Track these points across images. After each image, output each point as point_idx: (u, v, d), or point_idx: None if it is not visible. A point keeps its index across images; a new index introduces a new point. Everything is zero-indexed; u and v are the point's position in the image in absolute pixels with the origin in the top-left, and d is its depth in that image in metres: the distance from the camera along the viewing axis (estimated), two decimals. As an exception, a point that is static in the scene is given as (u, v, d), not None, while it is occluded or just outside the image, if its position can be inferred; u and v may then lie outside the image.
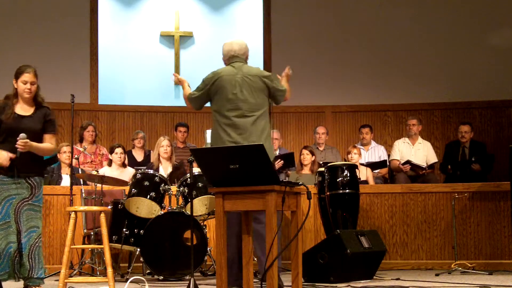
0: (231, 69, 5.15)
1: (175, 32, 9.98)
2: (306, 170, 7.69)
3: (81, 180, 6.70)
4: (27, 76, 4.91)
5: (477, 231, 7.00)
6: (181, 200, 6.23)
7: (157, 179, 6.19)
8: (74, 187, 6.52)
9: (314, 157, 7.72)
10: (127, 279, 5.55)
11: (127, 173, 7.30)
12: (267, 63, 9.92)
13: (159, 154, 7.31)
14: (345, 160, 7.79)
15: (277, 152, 7.97)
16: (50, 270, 6.42)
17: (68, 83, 8.93)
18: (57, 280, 4.93)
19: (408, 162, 7.94)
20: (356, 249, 5.62)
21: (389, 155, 8.38)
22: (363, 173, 7.65)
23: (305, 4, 9.99)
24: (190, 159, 4.97)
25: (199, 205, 6.14)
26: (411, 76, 9.01)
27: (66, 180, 7.09)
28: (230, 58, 5.24)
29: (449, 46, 9.69)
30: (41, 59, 9.33)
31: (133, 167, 7.54)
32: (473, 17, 9.71)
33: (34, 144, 4.79)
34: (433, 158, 8.15)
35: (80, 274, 6.16)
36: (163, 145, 7.30)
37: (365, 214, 7.07)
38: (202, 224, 6.16)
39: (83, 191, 6.56)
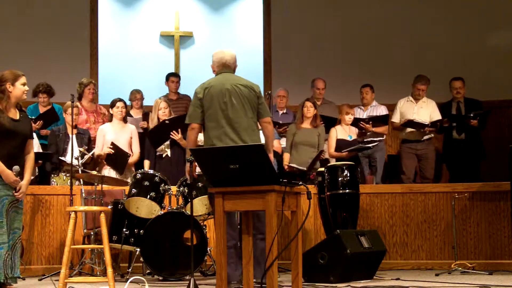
0: (220, 78, 5.25)
1: (175, 32, 9.98)
2: (306, 124, 7.61)
3: (81, 180, 6.70)
4: (25, 79, 5.06)
5: (477, 231, 7.00)
6: (181, 200, 6.23)
7: (157, 179, 6.19)
8: (74, 187, 6.52)
9: (316, 110, 7.71)
10: (127, 279, 5.55)
11: (128, 129, 7.39)
12: (267, 63, 9.93)
13: (158, 117, 7.34)
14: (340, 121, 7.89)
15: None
16: (50, 270, 6.43)
17: (68, 83, 8.93)
18: (57, 280, 4.94)
19: (409, 121, 7.89)
20: (356, 249, 5.62)
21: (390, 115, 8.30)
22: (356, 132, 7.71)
23: (305, 4, 10.00)
24: (190, 159, 4.97)
25: (199, 205, 6.14)
26: (412, 76, 8.98)
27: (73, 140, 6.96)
28: (220, 67, 5.32)
29: (449, 46, 9.69)
30: (41, 59, 9.36)
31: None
32: (473, 17, 9.71)
33: (28, 178, 4.99)
34: (437, 116, 8.04)
35: (80, 274, 6.16)
36: (161, 108, 7.34)
37: (365, 214, 7.07)
38: (202, 224, 6.16)
39: (83, 191, 6.55)
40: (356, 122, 7.77)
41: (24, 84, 5.01)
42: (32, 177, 7.03)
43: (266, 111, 5.30)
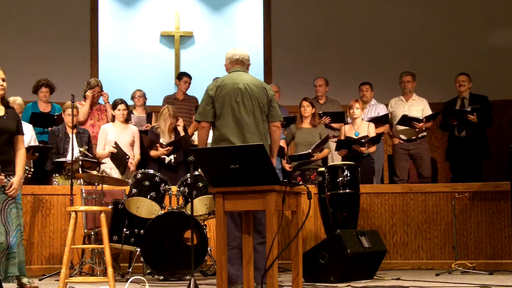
0: (232, 76, 5.15)
1: (175, 32, 9.99)
2: (306, 124, 7.63)
3: (81, 179, 6.71)
4: (0, 73, 4.98)
5: (477, 231, 6.99)
6: (181, 200, 6.23)
7: (157, 179, 6.19)
8: (75, 187, 6.52)
9: (314, 109, 7.69)
10: (127, 279, 5.55)
11: (130, 130, 7.44)
12: (267, 63, 9.93)
13: (167, 125, 7.35)
14: (347, 116, 7.86)
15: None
16: (50, 270, 6.44)
17: (68, 83, 8.94)
18: (57, 280, 4.94)
19: (404, 117, 7.82)
20: (356, 249, 5.62)
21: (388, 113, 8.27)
22: (364, 128, 7.62)
23: (305, 4, 10.00)
24: (191, 160, 4.97)
25: (199, 205, 6.14)
26: (412, 76, 9.02)
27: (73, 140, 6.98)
28: (233, 63, 5.22)
29: (449, 46, 9.70)
30: (41, 59, 9.37)
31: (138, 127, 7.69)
32: (473, 17, 9.72)
33: (20, 173, 4.95)
34: (429, 112, 8.00)
35: (81, 274, 6.16)
36: (173, 122, 7.34)
37: (365, 214, 7.07)
38: (202, 224, 6.16)
39: (83, 191, 6.56)
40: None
41: None
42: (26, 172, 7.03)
43: (277, 115, 5.18)
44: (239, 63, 5.23)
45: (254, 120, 5.06)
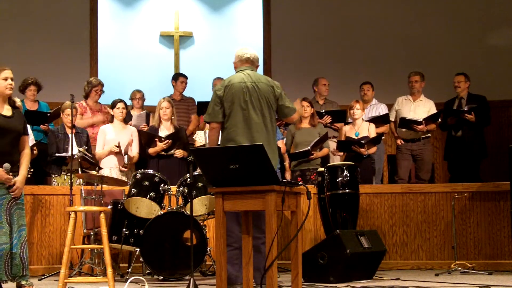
0: (241, 76, 5.14)
1: (175, 32, 9.99)
2: (305, 124, 7.65)
3: (81, 180, 6.71)
4: (7, 73, 4.97)
5: (477, 231, 6.99)
6: (180, 200, 6.23)
7: (156, 179, 6.19)
8: (74, 187, 6.52)
9: (313, 109, 7.70)
10: (126, 279, 5.55)
11: (129, 131, 7.44)
12: (267, 63, 9.93)
13: (159, 116, 7.36)
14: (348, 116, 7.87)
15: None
16: (50, 270, 6.44)
17: (68, 83, 8.94)
18: (57, 280, 4.94)
19: (402, 119, 7.83)
20: (355, 249, 5.62)
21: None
22: (365, 129, 7.60)
23: (304, 4, 10.01)
24: (190, 160, 4.97)
25: (199, 205, 6.14)
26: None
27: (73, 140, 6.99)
28: (243, 61, 5.22)
29: (449, 46, 9.70)
30: (41, 59, 9.37)
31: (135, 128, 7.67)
32: (473, 17, 9.72)
33: (24, 173, 4.93)
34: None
35: (80, 274, 6.16)
36: (163, 107, 7.35)
37: (364, 214, 7.07)
38: (202, 224, 6.16)
39: (82, 191, 6.56)
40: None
41: (6, 79, 4.92)
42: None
43: (289, 111, 5.20)
44: (249, 62, 5.22)
45: (262, 119, 5.07)
